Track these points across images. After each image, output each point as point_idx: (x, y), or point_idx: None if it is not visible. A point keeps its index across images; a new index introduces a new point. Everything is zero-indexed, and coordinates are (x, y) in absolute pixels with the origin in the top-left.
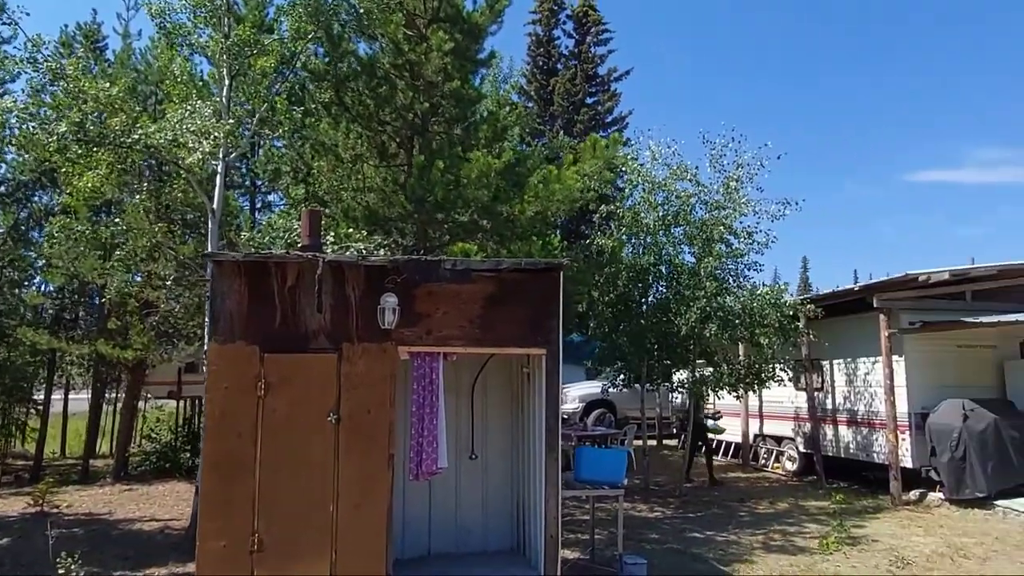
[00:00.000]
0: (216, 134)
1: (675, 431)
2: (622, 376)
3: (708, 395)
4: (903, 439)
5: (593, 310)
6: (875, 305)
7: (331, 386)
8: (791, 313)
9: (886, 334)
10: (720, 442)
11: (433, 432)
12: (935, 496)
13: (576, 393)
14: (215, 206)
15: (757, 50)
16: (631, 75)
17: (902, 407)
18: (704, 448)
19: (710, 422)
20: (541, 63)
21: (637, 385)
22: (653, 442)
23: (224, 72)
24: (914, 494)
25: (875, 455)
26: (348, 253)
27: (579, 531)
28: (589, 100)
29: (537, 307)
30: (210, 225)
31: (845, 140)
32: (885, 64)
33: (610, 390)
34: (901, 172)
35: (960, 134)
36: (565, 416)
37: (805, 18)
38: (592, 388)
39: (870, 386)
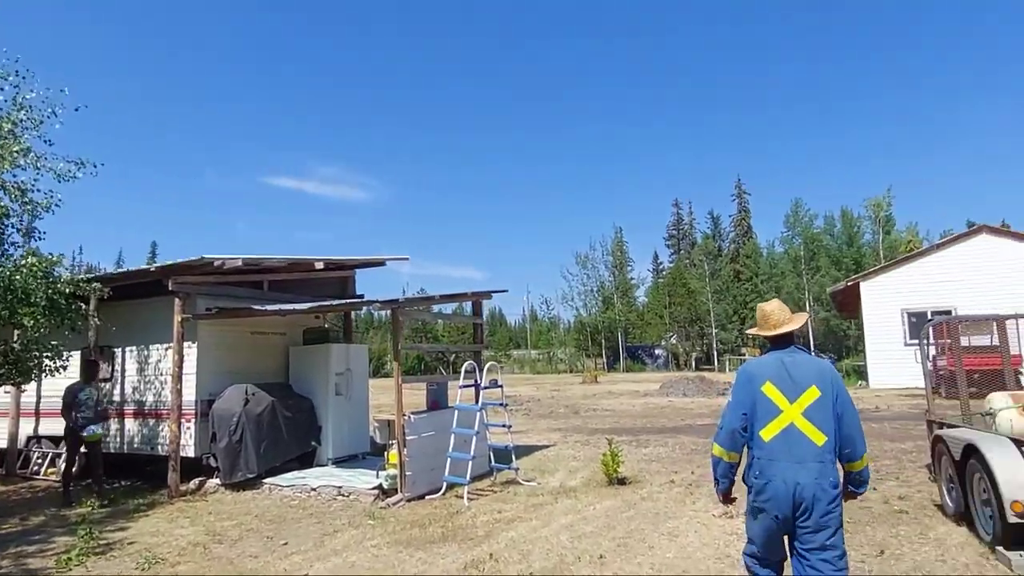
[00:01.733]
0: None
1: None
2: None
3: None
4: (187, 428)
5: None
6: (171, 288)
7: None
8: (67, 291)
9: (179, 319)
10: None
11: None
12: (213, 482)
13: None
14: None
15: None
16: None
17: (190, 395)
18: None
19: (92, 429)
20: None
21: None
22: None
23: None
24: (194, 483)
25: (160, 447)
26: None
27: None
28: None
29: None
30: None
31: (209, 131)
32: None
33: None
34: (260, 173)
35: (308, 149)
36: None
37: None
38: None
39: (162, 374)
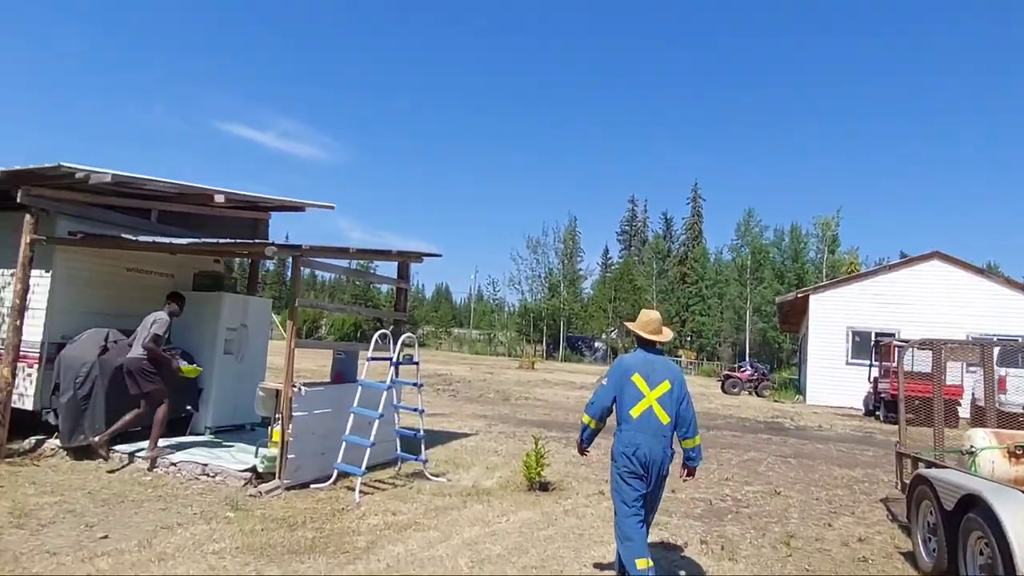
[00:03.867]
0: None
1: None
2: None
3: None
4: (29, 374)
5: None
6: (20, 200)
7: None
8: None
9: (27, 239)
10: None
11: None
12: (53, 444)
13: None
14: None
15: None
16: None
17: (35, 335)
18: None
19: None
20: None
21: None
22: None
23: None
24: (29, 442)
25: None
26: None
27: None
28: None
29: None
30: None
31: (168, 69)
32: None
33: None
34: (212, 118)
35: (269, 100)
36: None
37: None
38: None
39: (4, 305)
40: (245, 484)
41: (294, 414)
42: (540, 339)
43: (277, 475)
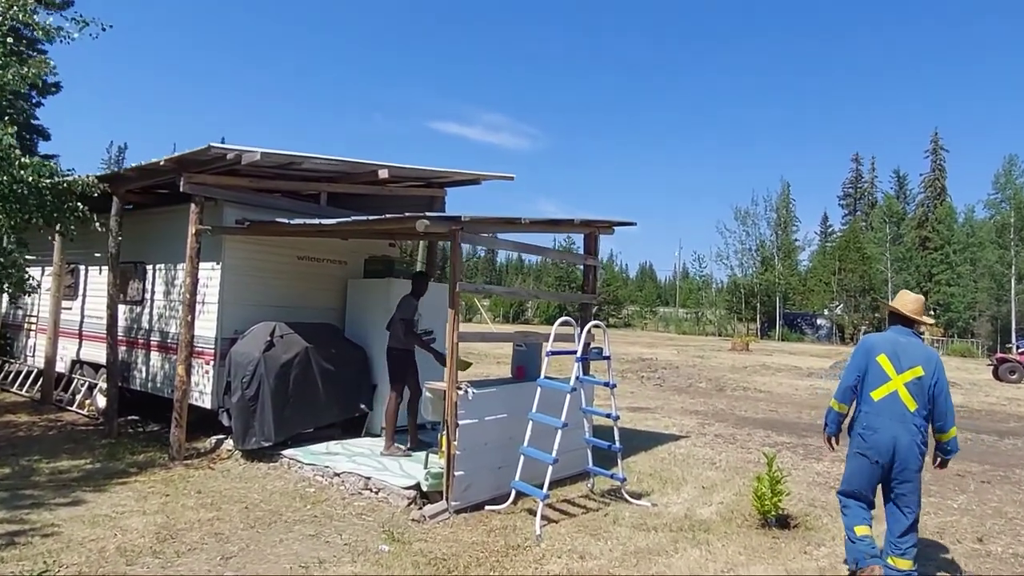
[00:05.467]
0: None
1: None
2: None
3: None
4: (206, 371)
5: None
6: (183, 189)
7: None
8: (31, 179)
9: (194, 230)
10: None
11: None
12: (230, 444)
13: None
14: None
15: None
16: None
17: (209, 330)
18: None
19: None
20: None
21: None
22: None
23: None
24: (210, 442)
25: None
26: None
27: None
28: None
29: None
30: None
31: (383, 79)
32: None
33: None
34: (424, 119)
35: (474, 97)
36: None
37: None
38: None
39: None
40: (409, 504)
41: (460, 422)
42: (753, 317)
43: (444, 495)
